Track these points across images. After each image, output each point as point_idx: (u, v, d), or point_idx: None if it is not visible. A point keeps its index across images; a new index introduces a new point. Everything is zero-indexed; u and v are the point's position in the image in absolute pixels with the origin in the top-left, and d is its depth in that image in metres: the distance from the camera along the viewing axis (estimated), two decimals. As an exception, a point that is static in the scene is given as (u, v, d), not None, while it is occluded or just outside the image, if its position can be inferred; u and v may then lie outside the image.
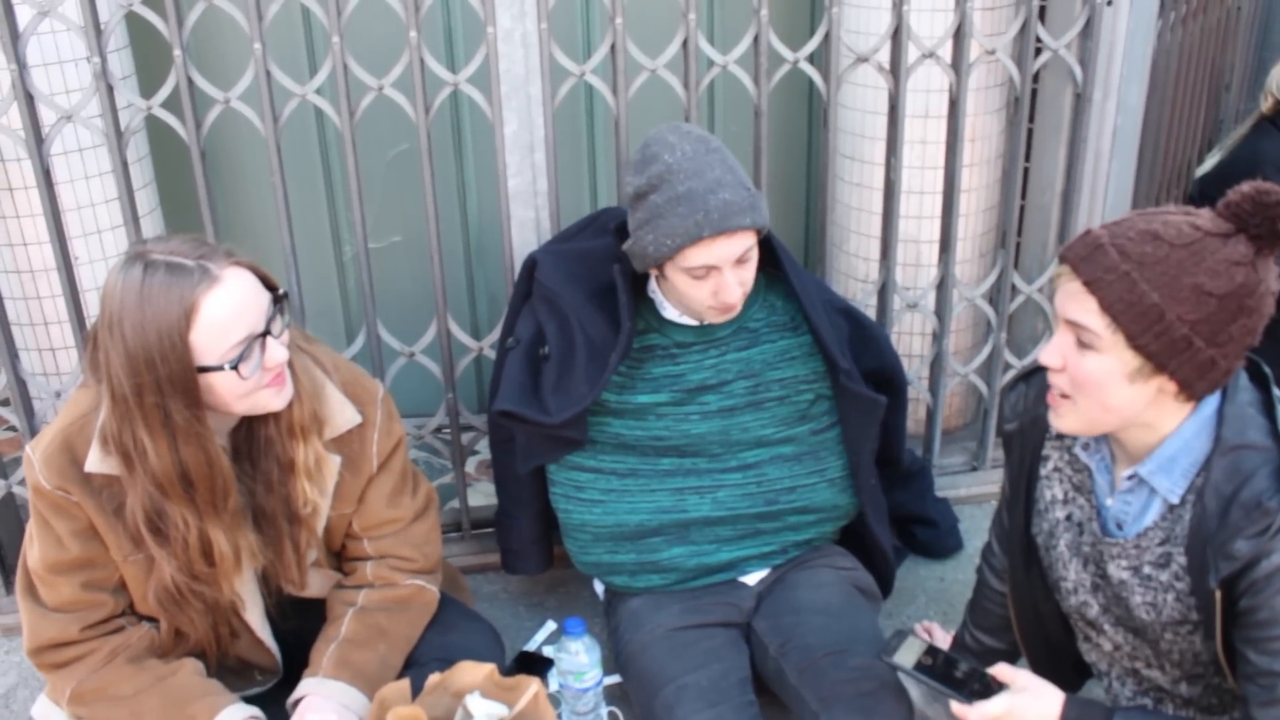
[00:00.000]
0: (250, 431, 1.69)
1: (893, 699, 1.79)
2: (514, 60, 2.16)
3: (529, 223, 2.28)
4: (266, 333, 1.58)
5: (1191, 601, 1.48)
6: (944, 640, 2.08)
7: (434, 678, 1.70)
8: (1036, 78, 2.51)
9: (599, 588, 2.24)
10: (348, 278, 2.91)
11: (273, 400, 1.63)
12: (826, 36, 2.25)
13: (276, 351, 1.59)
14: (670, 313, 2.01)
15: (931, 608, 2.37)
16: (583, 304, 2.02)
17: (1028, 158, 2.68)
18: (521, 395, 2.01)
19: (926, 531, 2.50)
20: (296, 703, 1.77)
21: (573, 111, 2.75)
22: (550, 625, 2.36)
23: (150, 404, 1.53)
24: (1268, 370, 1.49)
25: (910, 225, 2.61)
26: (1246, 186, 1.35)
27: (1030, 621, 1.77)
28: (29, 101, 2.04)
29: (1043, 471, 1.66)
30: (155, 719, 1.72)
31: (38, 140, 2.07)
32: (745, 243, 1.84)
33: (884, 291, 2.49)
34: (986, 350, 2.62)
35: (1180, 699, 1.63)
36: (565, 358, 2.01)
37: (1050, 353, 1.46)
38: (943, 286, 2.52)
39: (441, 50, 2.66)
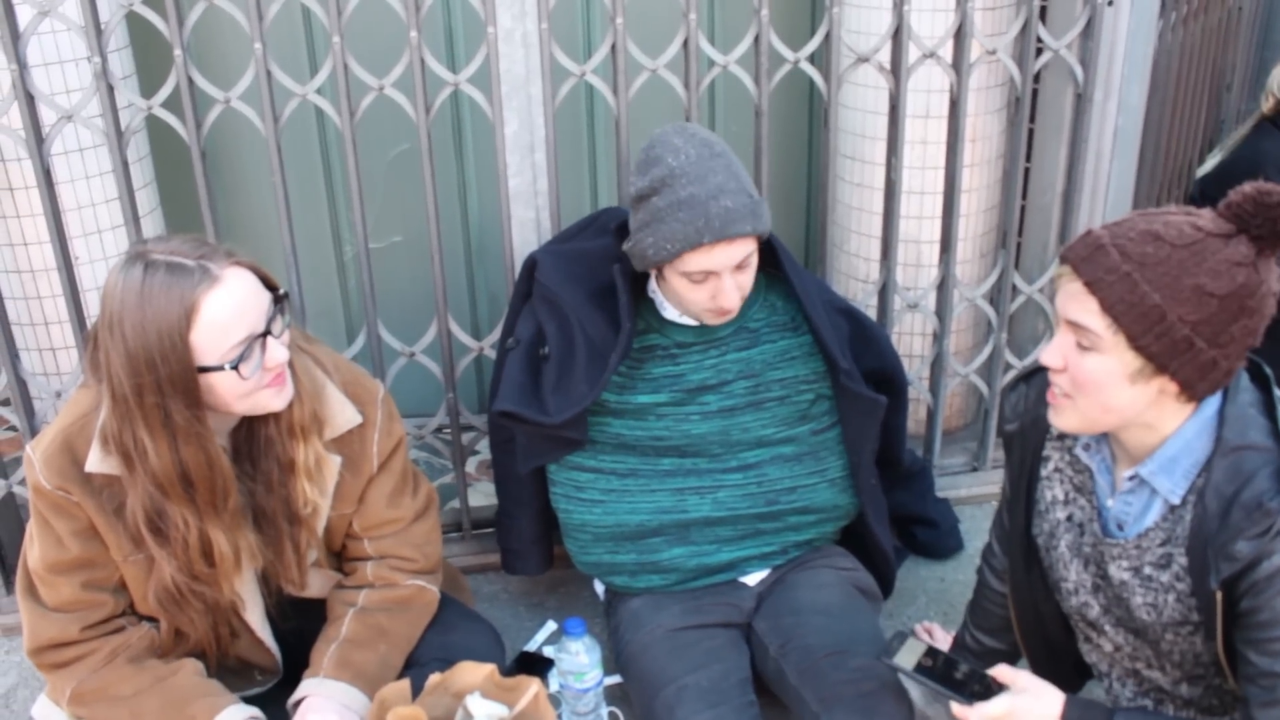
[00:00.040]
0: (250, 431, 1.69)
1: (893, 700, 1.79)
2: (514, 60, 2.16)
3: (529, 223, 2.28)
4: (267, 333, 1.58)
5: (1192, 602, 1.48)
6: (944, 641, 2.08)
7: (434, 678, 1.70)
8: (1037, 78, 2.51)
9: (599, 588, 2.24)
10: (348, 278, 2.91)
11: (273, 400, 1.63)
12: (827, 36, 2.25)
13: (277, 351, 1.59)
14: (670, 313, 2.01)
15: (932, 608, 2.37)
16: (583, 304, 2.02)
17: (1029, 158, 2.68)
18: (521, 395, 2.01)
19: (927, 532, 2.50)
20: (297, 703, 1.77)
21: (573, 111, 2.75)
22: (551, 625, 2.36)
23: (150, 404, 1.53)
24: (1269, 371, 1.49)
25: (911, 225, 2.61)
26: (1248, 187, 1.35)
27: (1031, 622, 1.77)
28: (29, 101, 2.04)
29: (1043, 472, 1.66)
30: (155, 719, 1.72)
31: (38, 140, 2.07)
32: (745, 249, 1.84)
33: (884, 291, 2.49)
34: (987, 351, 2.62)
35: (1181, 700, 1.63)
36: (565, 358, 2.01)
37: (1051, 353, 1.46)
38: (943, 287, 2.52)
39: (442, 50, 2.65)
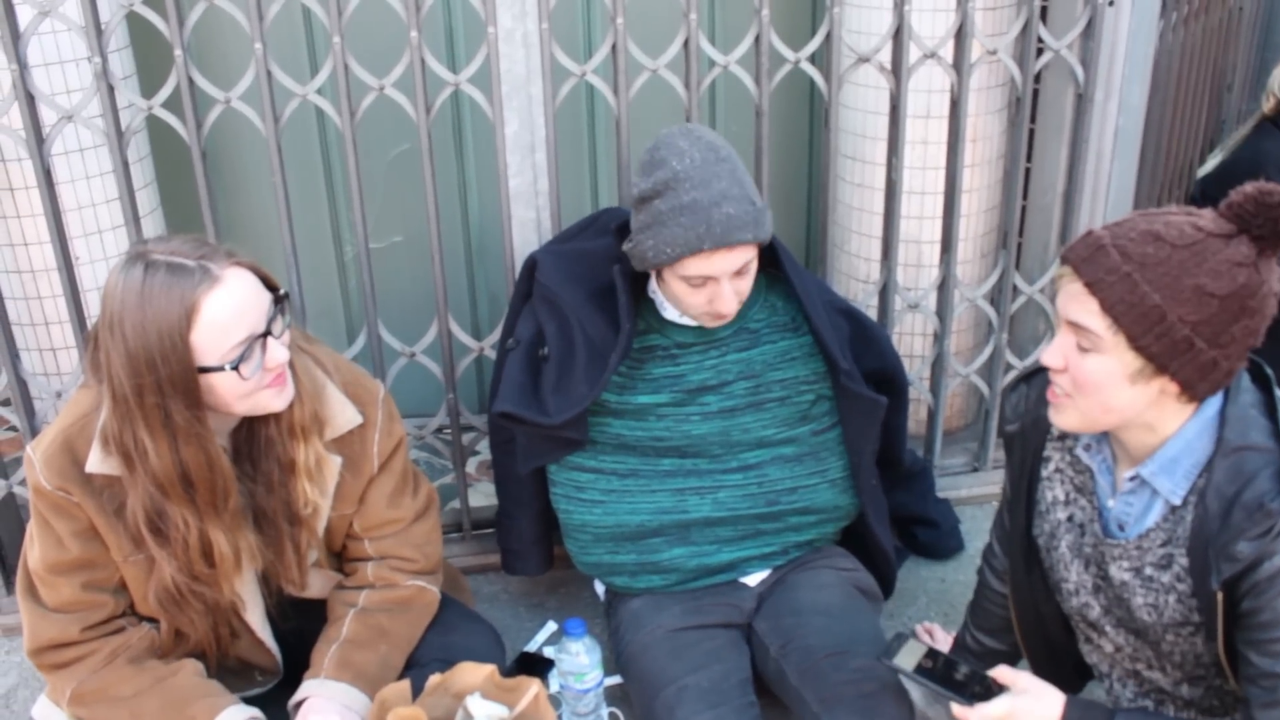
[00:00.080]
0: (251, 432, 1.69)
1: (894, 700, 1.79)
2: (515, 60, 2.15)
3: (530, 223, 2.28)
4: (267, 333, 1.58)
5: (1193, 603, 1.48)
6: (945, 641, 2.08)
7: (434, 678, 1.70)
8: (1038, 78, 2.51)
9: (599, 588, 2.24)
10: (349, 278, 2.91)
11: (273, 401, 1.63)
12: (828, 36, 2.25)
13: (277, 352, 1.59)
14: (670, 313, 2.00)
15: (932, 609, 2.37)
16: (583, 304, 2.02)
17: (1029, 158, 2.68)
18: (521, 396, 2.01)
19: (928, 532, 2.50)
20: (298, 704, 1.77)
21: (574, 112, 2.75)
22: (551, 626, 2.36)
23: (151, 404, 1.53)
24: (1270, 371, 1.48)
25: (911, 226, 2.61)
26: (1249, 187, 1.35)
27: (1031, 623, 1.77)
28: (30, 101, 2.04)
29: (1044, 473, 1.66)
30: (155, 719, 1.72)
31: (38, 140, 2.07)
32: (745, 256, 1.84)
33: (885, 292, 2.49)
34: (988, 351, 2.62)
35: (1181, 701, 1.63)
36: (565, 358, 2.01)
37: (1052, 353, 1.46)
38: (944, 287, 2.52)
39: (442, 50, 2.65)
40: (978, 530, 2.57)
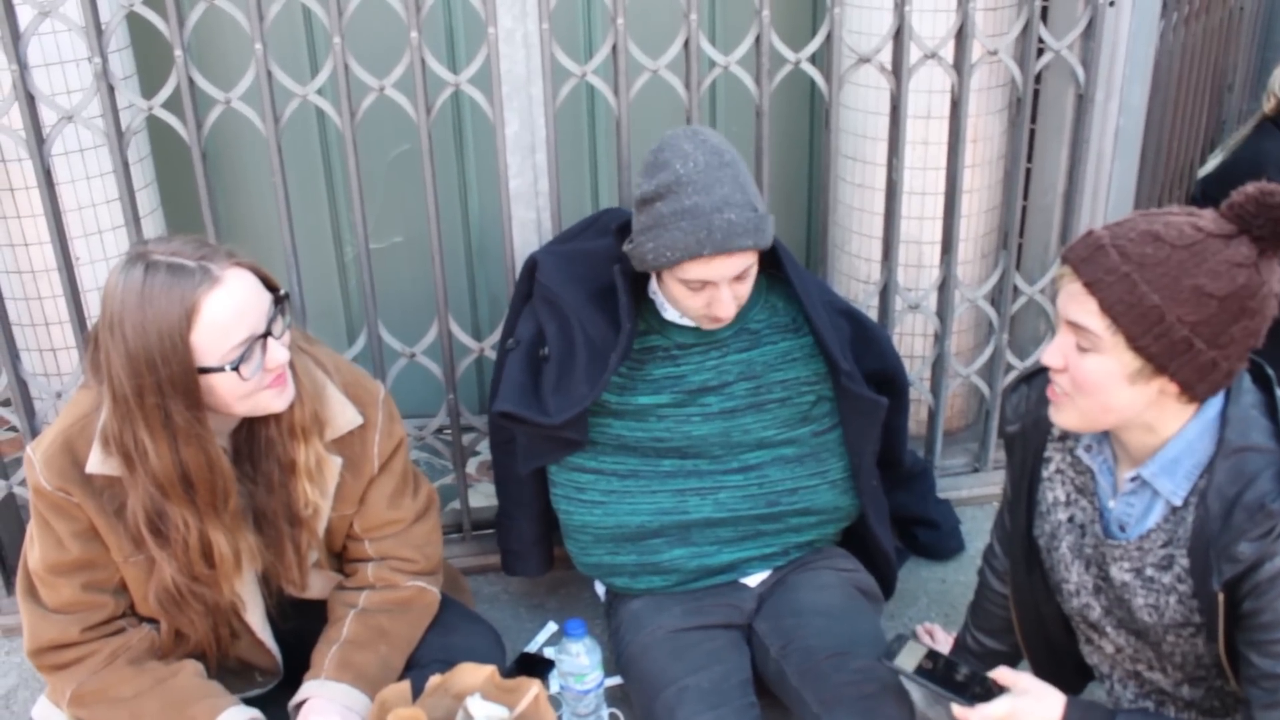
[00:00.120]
0: (251, 433, 1.69)
1: (894, 701, 1.78)
2: (515, 61, 2.15)
3: (530, 223, 2.28)
4: (267, 334, 1.58)
5: (1194, 604, 1.48)
6: (945, 642, 2.08)
7: (435, 679, 1.70)
8: (1039, 78, 2.51)
9: (600, 589, 2.24)
10: (349, 278, 2.91)
11: (274, 401, 1.63)
12: (828, 37, 2.25)
13: (277, 352, 1.59)
14: (671, 314, 2.00)
15: (933, 609, 2.37)
16: (583, 305, 2.02)
17: (1030, 158, 2.68)
18: (521, 396, 2.01)
19: (928, 533, 2.50)
20: (299, 705, 1.77)
21: (574, 112, 2.75)
22: (551, 627, 2.36)
23: (151, 405, 1.53)
24: (1271, 372, 1.48)
25: (912, 226, 2.61)
26: (1251, 188, 1.35)
27: (1032, 623, 1.77)
28: (30, 102, 2.04)
29: (1045, 473, 1.66)
30: (155, 720, 1.72)
31: (39, 140, 2.07)
32: (744, 262, 1.84)
33: (886, 292, 2.49)
34: (988, 351, 2.62)
35: (1182, 702, 1.63)
36: (565, 358, 2.01)
37: (1052, 353, 1.46)
38: (944, 287, 2.52)
39: (443, 51, 2.65)
40: (978, 531, 2.57)
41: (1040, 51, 2.38)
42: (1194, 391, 1.41)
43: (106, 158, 2.20)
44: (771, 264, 2.02)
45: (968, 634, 1.95)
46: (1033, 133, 2.66)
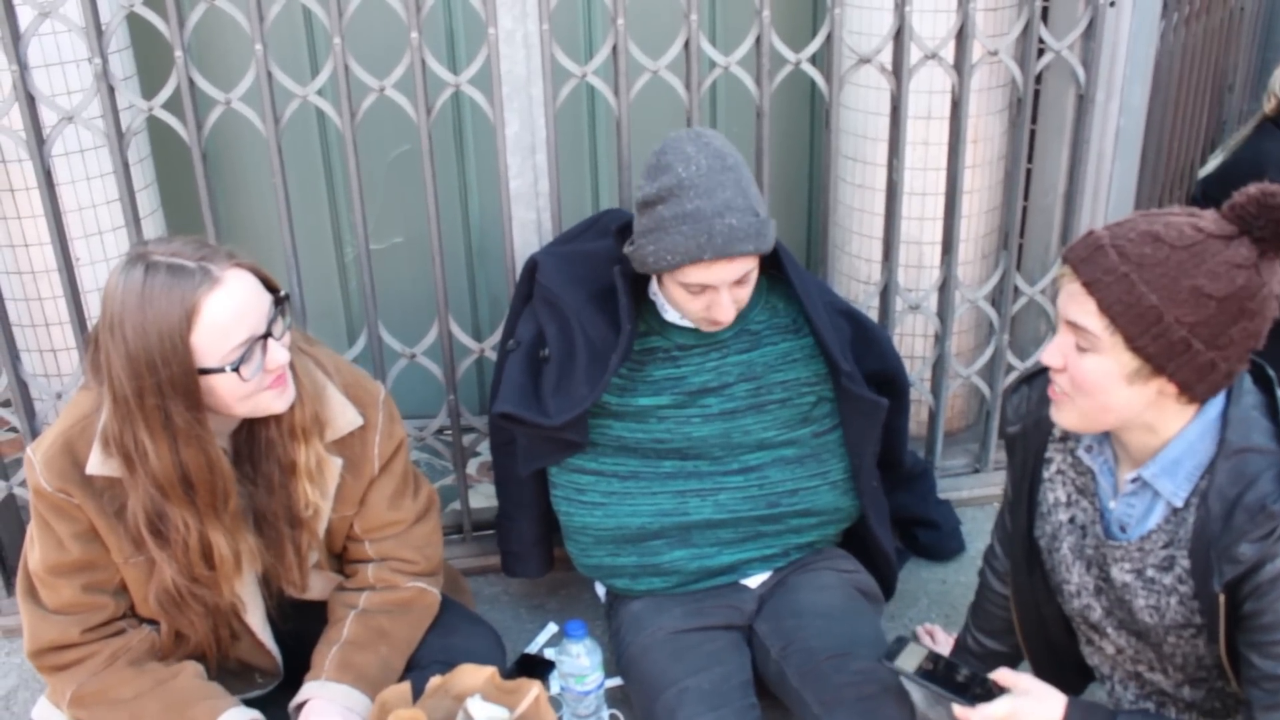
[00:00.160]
0: (251, 433, 1.69)
1: (894, 702, 1.78)
2: (515, 61, 2.15)
3: (530, 224, 2.28)
4: (268, 334, 1.58)
5: (1195, 605, 1.48)
6: (946, 642, 2.08)
7: (435, 680, 1.70)
8: (1039, 79, 2.50)
9: (600, 590, 2.24)
10: (349, 279, 2.90)
11: (274, 402, 1.63)
12: (829, 37, 2.24)
13: (278, 353, 1.59)
14: (671, 315, 2.00)
15: (933, 610, 2.36)
16: (584, 306, 2.01)
17: (1030, 159, 2.68)
18: (522, 397, 2.00)
19: (929, 534, 2.50)
20: (299, 706, 1.77)
21: (574, 113, 2.75)
22: (551, 628, 2.35)
23: (151, 406, 1.53)
24: (1272, 373, 1.48)
25: (912, 227, 2.61)
26: (1252, 188, 1.34)
27: (1033, 624, 1.77)
28: (30, 102, 2.04)
29: (1045, 474, 1.66)
30: (155, 721, 1.72)
31: (39, 141, 2.07)
32: (745, 267, 1.84)
33: (886, 293, 2.49)
34: (989, 352, 2.62)
35: (1183, 703, 1.63)
36: (566, 359, 2.01)
37: (1051, 353, 1.46)
38: (945, 288, 2.52)
39: (443, 51, 2.65)
40: (979, 532, 2.57)
41: (1041, 52, 2.37)
42: (1193, 392, 1.40)
43: (107, 158, 2.20)
44: (772, 265, 2.02)
45: (968, 635, 1.95)
46: (1033, 133, 2.66)
